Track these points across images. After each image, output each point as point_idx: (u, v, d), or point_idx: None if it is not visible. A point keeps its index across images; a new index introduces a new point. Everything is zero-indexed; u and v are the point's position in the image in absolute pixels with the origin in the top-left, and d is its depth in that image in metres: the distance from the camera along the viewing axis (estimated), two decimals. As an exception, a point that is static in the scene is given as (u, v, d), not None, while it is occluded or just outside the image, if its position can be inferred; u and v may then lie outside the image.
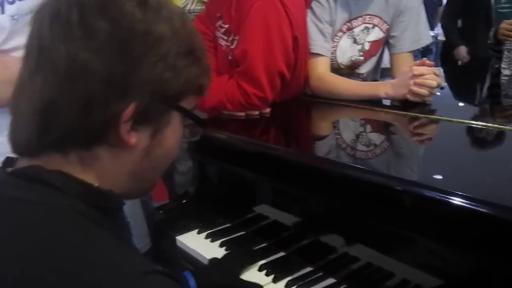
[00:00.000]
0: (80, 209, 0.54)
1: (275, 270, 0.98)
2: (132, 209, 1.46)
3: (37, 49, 0.56)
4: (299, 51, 1.39)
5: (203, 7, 1.71)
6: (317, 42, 1.48)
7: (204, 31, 1.47)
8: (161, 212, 1.24)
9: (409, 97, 1.31)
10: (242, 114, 1.35)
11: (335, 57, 1.54)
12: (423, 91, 1.29)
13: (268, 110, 1.36)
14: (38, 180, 0.55)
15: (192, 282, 0.90)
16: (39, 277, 0.49)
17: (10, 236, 0.52)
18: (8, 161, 0.60)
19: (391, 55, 1.57)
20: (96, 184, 0.58)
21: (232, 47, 1.41)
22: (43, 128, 0.55)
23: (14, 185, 0.56)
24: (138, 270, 0.51)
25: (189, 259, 1.10)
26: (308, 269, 0.98)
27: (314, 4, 1.49)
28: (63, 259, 0.50)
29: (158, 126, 0.60)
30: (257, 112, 1.35)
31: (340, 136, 1.25)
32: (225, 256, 1.03)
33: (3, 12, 1.16)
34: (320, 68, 1.48)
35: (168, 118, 0.60)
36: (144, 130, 0.58)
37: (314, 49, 1.48)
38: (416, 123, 1.24)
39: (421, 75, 1.30)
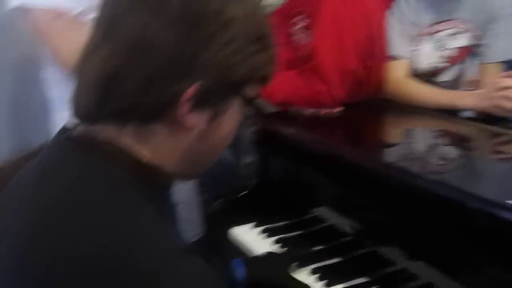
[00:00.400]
0: (128, 180, 0.54)
1: (328, 276, 0.95)
2: (187, 195, 1.49)
3: (107, 18, 0.56)
4: (375, 51, 1.33)
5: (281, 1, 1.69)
6: (397, 44, 1.41)
7: (281, 25, 1.45)
8: (218, 201, 1.23)
9: (494, 110, 1.22)
10: (311, 111, 1.31)
11: (415, 61, 1.46)
12: (510, 105, 1.20)
13: (338, 109, 1.32)
14: (91, 147, 0.56)
15: (241, 269, 0.89)
16: (78, 238, 0.49)
17: (57, 197, 0.53)
18: (66, 128, 0.61)
19: (478, 64, 1.47)
20: (147, 159, 0.57)
21: (306, 42, 1.38)
22: (103, 98, 0.55)
23: (66, 150, 0.58)
24: (174, 248, 0.50)
25: (241, 252, 1.09)
26: (363, 279, 0.94)
27: (397, 3, 1.42)
28: (103, 226, 0.50)
29: (217, 111, 0.58)
30: (326, 111, 1.31)
31: (413, 145, 1.18)
32: (281, 253, 1.01)
33: None
34: (398, 72, 1.41)
35: (228, 104, 0.59)
36: (202, 113, 0.57)
37: (393, 51, 1.41)
38: (498, 139, 1.15)
39: (508, 88, 1.20)
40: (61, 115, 1.31)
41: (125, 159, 0.56)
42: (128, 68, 0.53)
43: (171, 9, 0.53)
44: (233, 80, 0.57)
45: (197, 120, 0.57)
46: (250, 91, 0.60)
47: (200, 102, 0.55)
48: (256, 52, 0.58)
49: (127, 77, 0.53)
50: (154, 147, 0.57)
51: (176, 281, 0.47)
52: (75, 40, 1.17)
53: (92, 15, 1.24)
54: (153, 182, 0.57)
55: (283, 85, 1.26)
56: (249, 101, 0.61)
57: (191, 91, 0.54)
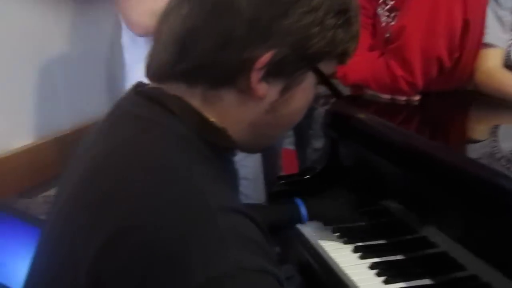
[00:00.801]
0: (189, 136, 0.55)
1: (388, 273, 0.88)
2: (253, 171, 1.47)
3: None
4: (469, 38, 1.21)
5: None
6: (493, 30, 1.27)
7: (365, 6, 1.37)
8: (281, 182, 1.19)
9: None
10: (387, 97, 1.23)
11: (509, 52, 1.32)
12: None
13: (417, 97, 1.22)
14: (158, 101, 0.56)
15: (303, 209, 0.97)
16: (131, 181, 0.51)
17: (117, 145, 0.55)
18: (139, 84, 0.62)
19: None
20: (212, 120, 0.57)
21: (392, 23, 1.28)
22: (178, 56, 0.55)
23: (135, 102, 0.59)
24: (223, 204, 0.50)
25: (299, 236, 1.05)
26: (427, 281, 0.87)
27: None
28: (156, 173, 0.51)
29: (290, 83, 0.57)
30: (404, 98, 1.22)
31: (499, 143, 1.07)
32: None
33: None
34: (491, 62, 1.28)
35: (302, 77, 0.58)
36: (275, 84, 0.56)
37: (488, 39, 1.28)
38: None
39: None
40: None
41: (190, 115, 0.56)
42: (205, 28, 0.54)
43: None
44: (310, 52, 0.55)
45: (268, 90, 0.56)
46: (327, 67, 0.59)
47: (274, 71, 0.55)
48: (337, 26, 0.56)
49: (204, 37, 0.54)
50: (220, 112, 0.57)
51: (218, 235, 0.47)
52: (145, 2, 1.19)
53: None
54: (215, 143, 0.57)
55: (359, 66, 1.19)
56: (324, 78, 0.59)
57: (265, 58, 0.53)
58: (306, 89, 0.59)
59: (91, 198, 0.52)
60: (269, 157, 1.65)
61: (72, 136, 1.53)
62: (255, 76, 0.54)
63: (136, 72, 1.29)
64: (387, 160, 1.02)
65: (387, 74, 1.19)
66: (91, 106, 1.58)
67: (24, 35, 1.41)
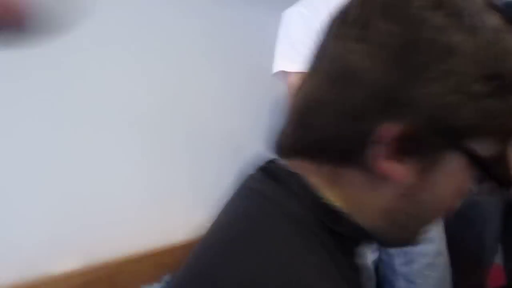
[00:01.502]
0: (305, 220, 0.51)
1: None
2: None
3: (317, 49, 0.55)
4: None
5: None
6: None
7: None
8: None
9: None
10: None
11: None
12: None
13: None
14: (278, 178, 0.54)
15: None
16: (228, 263, 0.49)
17: (228, 221, 0.54)
18: (267, 160, 0.60)
19: None
20: (336, 204, 0.52)
21: None
22: (300, 131, 0.54)
23: (256, 178, 0.57)
24: None
25: None
26: None
27: None
28: (258, 256, 0.48)
29: (428, 163, 0.49)
30: None
31: None
32: None
33: None
34: None
35: (445, 158, 0.49)
36: (410, 164, 0.49)
37: None
38: None
39: None
40: None
41: (308, 196, 0.52)
42: (326, 99, 0.51)
43: (378, 36, 0.48)
44: (450, 126, 0.47)
45: (401, 172, 0.49)
46: (483, 148, 0.49)
47: (406, 149, 0.48)
48: (488, 94, 0.47)
49: (325, 109, 0.51)
50: (347, 195, 0.52)
51: None
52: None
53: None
54: (335, 230, 0.52)
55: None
56: (477, 161, 0.49)
57: (391, 132, 0.47)
58: (454, 173, 0.50)
59: (193, 272, 0.51)
60: (474, 271, 1.53)
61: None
62: (381, 153, 0.48)
63: None
64: None
65: None
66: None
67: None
